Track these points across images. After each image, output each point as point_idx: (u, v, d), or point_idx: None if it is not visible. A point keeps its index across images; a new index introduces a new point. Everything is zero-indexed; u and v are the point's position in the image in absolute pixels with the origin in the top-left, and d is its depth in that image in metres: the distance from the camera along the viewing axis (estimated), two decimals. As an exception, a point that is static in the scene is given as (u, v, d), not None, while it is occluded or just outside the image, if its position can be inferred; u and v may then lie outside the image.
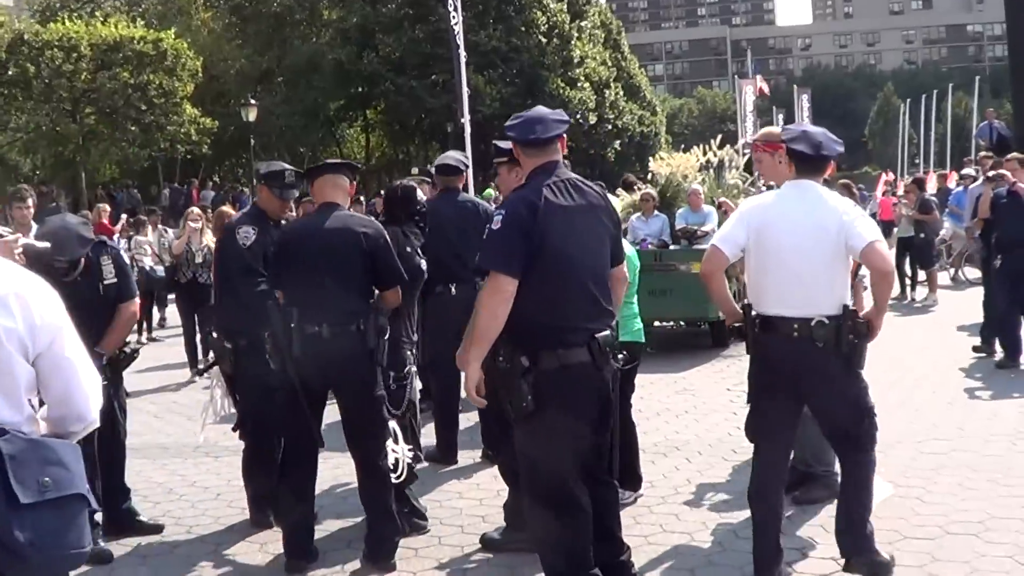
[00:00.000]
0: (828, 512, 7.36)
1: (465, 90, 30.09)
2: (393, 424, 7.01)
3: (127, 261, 7.73)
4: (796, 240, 5.99)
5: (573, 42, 51.92)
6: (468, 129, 30.80)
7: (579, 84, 50.97)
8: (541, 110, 5.92)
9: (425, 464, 9.19)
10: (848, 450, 6.25)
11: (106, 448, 7.58)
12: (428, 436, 9.35)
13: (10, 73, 37.23)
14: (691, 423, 10.60)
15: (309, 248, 6.88)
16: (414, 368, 7.46)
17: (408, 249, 7.55)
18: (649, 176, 17.37)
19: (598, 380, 5.58)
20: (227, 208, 16.95)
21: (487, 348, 5.50)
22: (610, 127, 56.41)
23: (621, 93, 59.02)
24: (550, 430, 5.46)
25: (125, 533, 7.78)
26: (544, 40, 49.75)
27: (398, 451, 6.98)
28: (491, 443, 8.88)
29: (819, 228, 5.99)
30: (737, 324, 6.43)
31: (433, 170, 10.42)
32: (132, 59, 39.68)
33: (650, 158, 17.92)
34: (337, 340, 6.69)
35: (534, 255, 5.43)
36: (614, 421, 5.76)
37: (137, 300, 7.74)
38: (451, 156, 10.07)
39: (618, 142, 58.21)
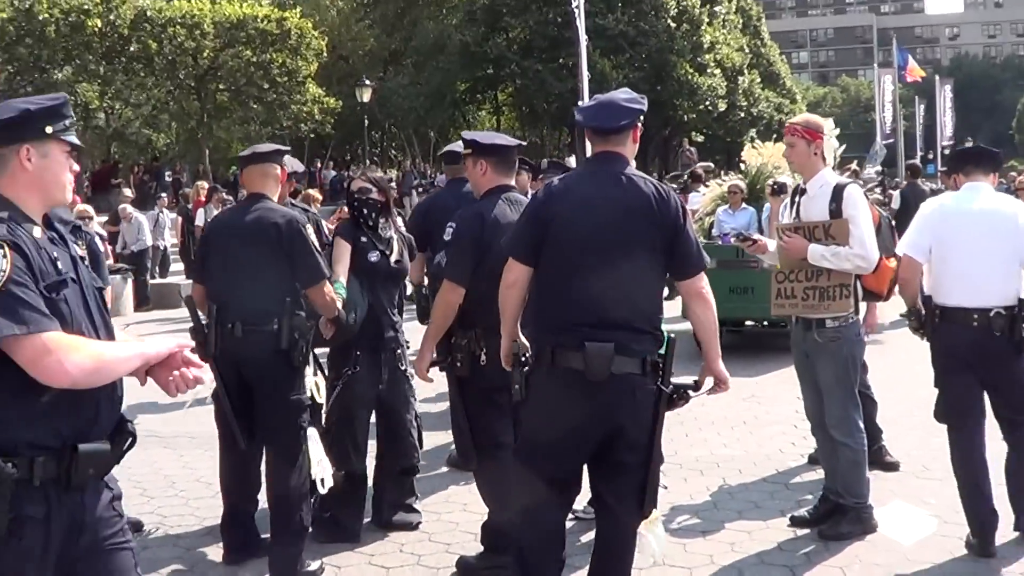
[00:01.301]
0: (853, 551, 6.62)
1: (586, 75, 29.58)
2: (313, 432, 6.44)
3: (101, 248, 7.24)
4: (973, 238, 6.47)
5: (703, 27, 50.69)
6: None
7: (709, 70, 49.76)
8: (616, 95, 5.47)
9: (445, 469, 8.67)
10: (1016, 427, 6.62)
11: None
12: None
13: (132, 49, 37.42)
14: (744, 436, 9.79)
15: (226, 242, 6.48)
16: (352, 371, 6.86)
17: (363, 240, 6.99)
18: (740, 166, 16.47)
19: (592, 394, 5.05)
20: (314, 192, 16.63)
21: (507, 326, 5.44)
22: (743, 114, 55.15)
23: (757, 80, 57.63)
24: (531, 425, 5.34)
25: None
26: (673, 25, 48.56)
27: (315, 463, 6.41)
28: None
29: (993, 227, 6.49)
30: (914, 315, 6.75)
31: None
32: (255, 38, 39.57)
33: (738, 147, 16.98)
34: (249, 339, 6.27)
35: (543, 243, 5.24)
36: (652, 447, 5.20)
37: (109, 288, 7.28)
38: (458, 144, 9.51)
39: (754, 130, 56.85)
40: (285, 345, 6.23)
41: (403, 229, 7.49)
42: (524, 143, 7.69)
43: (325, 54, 43.52)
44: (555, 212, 5.22)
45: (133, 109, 40.05)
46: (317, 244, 6.47)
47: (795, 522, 7.12)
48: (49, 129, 3.55)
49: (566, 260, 5.17)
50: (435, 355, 6.36)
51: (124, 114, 40.70)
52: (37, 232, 3.51)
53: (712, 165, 29.22)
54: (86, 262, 3.75)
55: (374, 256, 6.96)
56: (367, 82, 42.16)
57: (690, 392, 5.36)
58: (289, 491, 6.33)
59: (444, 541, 7.03)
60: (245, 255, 6.33)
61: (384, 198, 7.08)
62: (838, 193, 6.76)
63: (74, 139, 3.65)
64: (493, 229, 6.04)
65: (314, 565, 6.50)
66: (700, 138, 53.90)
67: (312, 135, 46.83)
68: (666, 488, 6.67)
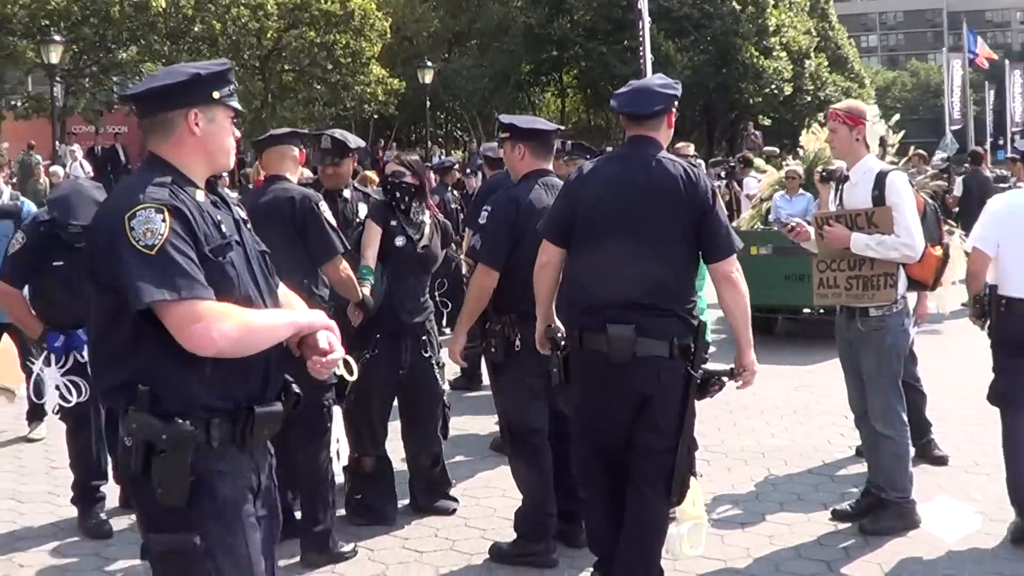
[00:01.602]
0: (893, 548, 6.50)
1: (649, 57, 29.39)
2: (337, 410, 6.43)
3: None
4: None
5: (769, 10, 50.10)
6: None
7: (775, 53, 49.20)
8: (650, 80, 5.66)
9: (488, 454, 8.65)
10: None
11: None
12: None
13: (196, 29, 37.67)
14: (793, 426, 9.63)
15: None
16: (371, 354, 6.76)
17: (393, 223, 6.94)
18: (799, 151, 16.25)
19: (616, 376, 5.17)
20: (371, 173, 16.61)
21: (541, 308, 5.61)
22: (810, 99, 54.45)
23: (825, 63, 56.86)
24: (572, 407, 5.55)
25: None
26: (739, 7, 47.98)
27: (334, 440, 6.42)
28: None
29: None
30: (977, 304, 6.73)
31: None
32: (319, 19, 39.70)
33: (803, 131, 16.73)
34: None
35: (573, 225, 5.39)
36: (680, 432, 5.25)
37: None
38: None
39: (821, 114, 56.04)
40: None
41: (439, 214, 7.43)
42: (563, 127, 7.67)
43: (389, 35, 43.54)
44: (582, 194, 5.35)
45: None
46: (333, 221, 6.45)
47: (836, 516, 7.00)
48: (216, 94, 3.55)
49: (592, 242, 5.29)
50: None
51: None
52: (200, 196, 3.51)
53: (777, 150, 28.91)
54: (248, 225, 3.79)
55: (400, 240, 6.90)
56: (428, 64, 42.05)
57: (724, 379, 5.36)
58: (315, 468, 6.37)
59: (480, 527, 6.97)
60: (261, 235, 6.28)
61: (418, 182, 7.03)
62: (880, 180, 6.64)
63: (237, 105, 3.65)
64: (528, 213, 6.02)
65: (347, 547, 6.50)
66: (767, 122, 53.32)
67: (376, 116, 46.89)
68: (702, 475, 6.55)
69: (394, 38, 45.87)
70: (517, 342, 6.07)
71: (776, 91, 49.20)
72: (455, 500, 7.35)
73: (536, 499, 6.26)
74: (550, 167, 6.41)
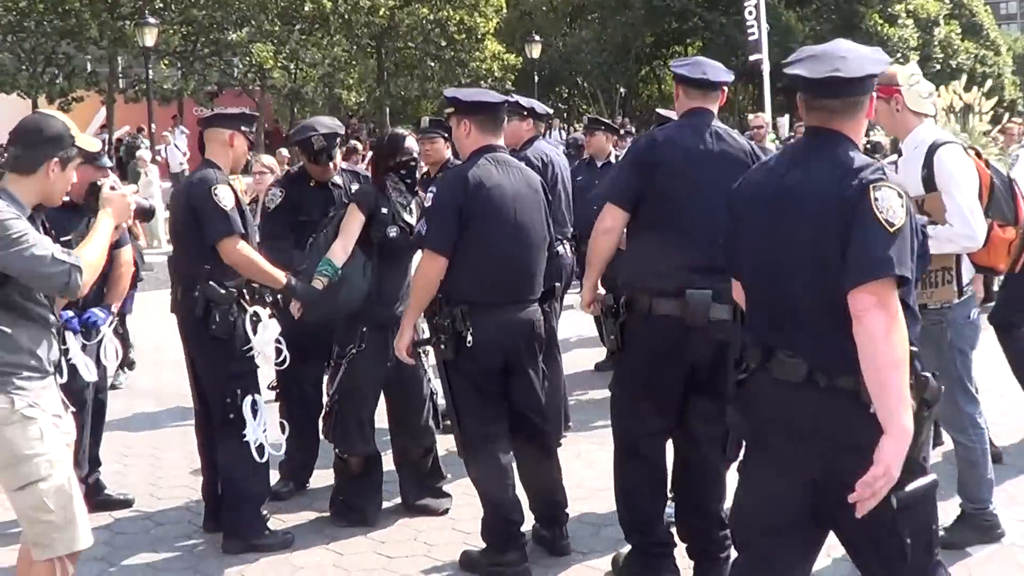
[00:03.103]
0: (965, 564, 5.80)
1: (765, 27, 28.71)
2: (249, 401, 6.19)
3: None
4: None
5: (894, -24, 48.73)
6: (767, 68, 29.24)
7: (900, 21, 47.73)
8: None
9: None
10: None
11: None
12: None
13: (307, 9, 37.75)
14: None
15: (172, 208, 6.54)
16: (357, 349, 6.44)
17: (384, 211, 6.47)
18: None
19: (688, 340, 5.28)
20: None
21: (593, 275, 5.66)
22: (940, 67, 52.68)
23: (956, 31, 55.01)
24: (627, 374, 5.64)
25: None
26: (862, -26, 46.92)
27: (252, 433, 6.18)
28: None
29: None
30: None
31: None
32: (432, -5, 39.66)
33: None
34: (181, 305, 6.26)
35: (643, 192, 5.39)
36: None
37: (130, 248, 7.16)
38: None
39: (955, 83, 54.30)
40: (199, 313, 6.09)
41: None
42: (512, 98, 7.20)
43: (505, 10, 43.21)
44: (656, 165, 5.37)
45: (309, 68, 40.15)
46: (228, 205, 6.10)
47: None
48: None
49: (669, 208, 5.34)
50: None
51: (309, 73, 40.58)
52: None
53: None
54: None
55: (394, 231, 6.43)
56: (536, 38, 41.64)
57: None
58: (219, 458, 6.35)
59: (467, 530, 6.42)
60: (175, 220, 6.34)
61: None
62: (930, 157, 5.65)
63: None
64: (477, 193, 5.57)
65: (271, 539, 6.37)
66: (895, 92, 51.99)
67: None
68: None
69: (513, 13, 45.52)
70: (468, 336, 5.57)
71: (902, 60, 47.66)
72: (448, 496, 6.91)
73: (496, 507, 5.79)
74: (500, 142, 5.91)
